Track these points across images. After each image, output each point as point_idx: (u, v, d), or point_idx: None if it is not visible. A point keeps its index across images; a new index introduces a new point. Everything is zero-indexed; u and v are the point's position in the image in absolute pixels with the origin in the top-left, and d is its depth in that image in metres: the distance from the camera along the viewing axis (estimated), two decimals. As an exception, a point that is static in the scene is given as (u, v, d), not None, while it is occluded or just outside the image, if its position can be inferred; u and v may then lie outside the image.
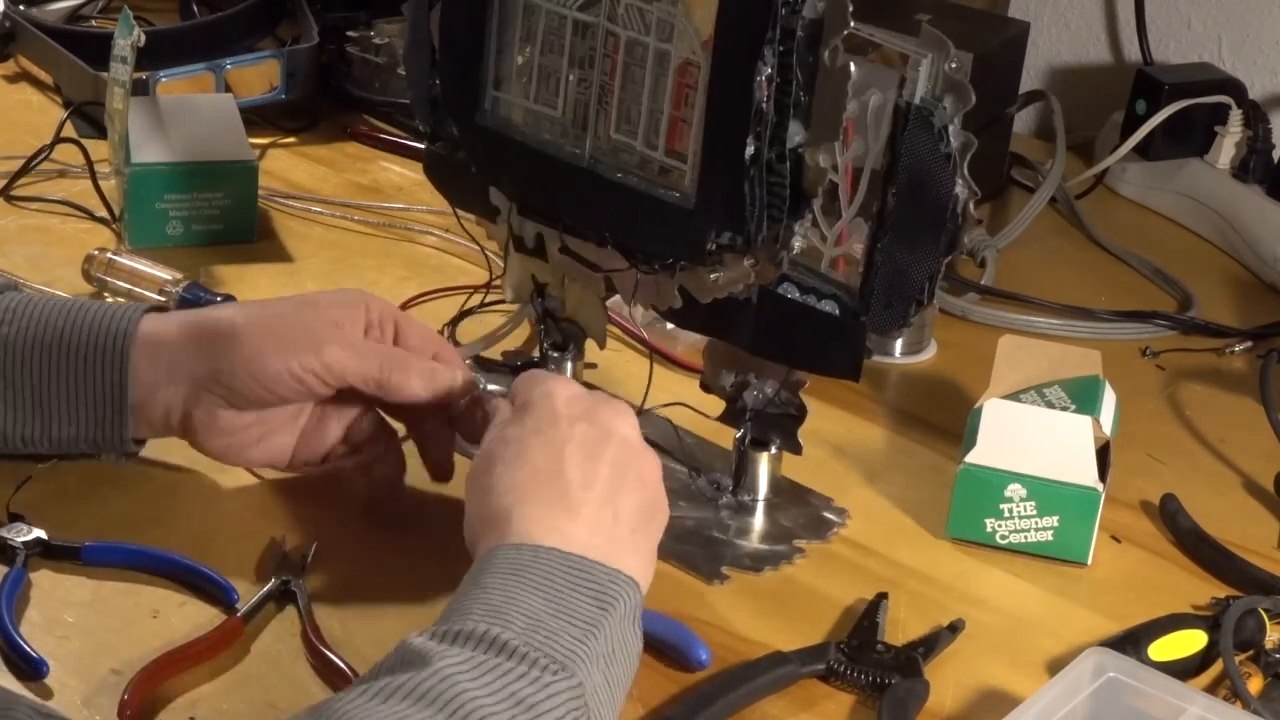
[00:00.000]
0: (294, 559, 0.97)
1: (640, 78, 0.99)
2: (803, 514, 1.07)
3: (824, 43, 0.91)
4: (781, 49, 0.91)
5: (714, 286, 0.99)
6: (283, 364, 0.98)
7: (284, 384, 0.98)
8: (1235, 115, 1.52)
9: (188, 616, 0.94)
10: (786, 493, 1.08)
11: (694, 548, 1.03)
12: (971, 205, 0.92)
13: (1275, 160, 1.52)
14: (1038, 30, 1.72)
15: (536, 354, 1.19)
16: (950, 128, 0.91)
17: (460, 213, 1.15)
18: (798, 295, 0.98)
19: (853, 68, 0.91)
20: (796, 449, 1.06)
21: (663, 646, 0.93)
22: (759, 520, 1.06)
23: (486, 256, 1.19)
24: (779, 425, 1.05)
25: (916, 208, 0.93)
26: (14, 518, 0.98)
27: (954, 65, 0.90)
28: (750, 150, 0.93)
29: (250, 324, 0.99)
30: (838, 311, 0.97)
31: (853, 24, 0.90)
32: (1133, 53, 1.71)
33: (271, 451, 1.02)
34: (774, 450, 1.06)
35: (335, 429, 1.03)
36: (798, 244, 0.96)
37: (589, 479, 0.89)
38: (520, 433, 0.91)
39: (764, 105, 0.92)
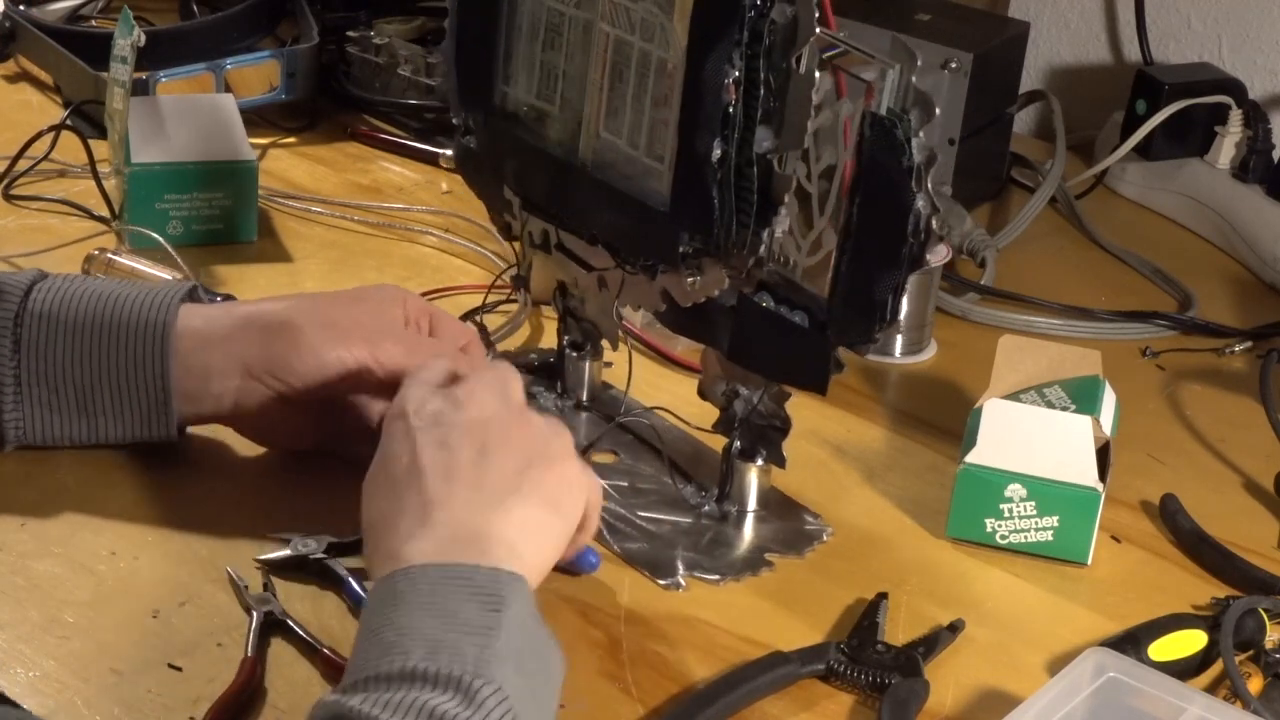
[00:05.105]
0: (258, 589, 0.96)
1: (627, 77, 0.98)
2: (784, 528, 1.06)
3: (793, 49, 0.90)
4: (750, 53, 0.91)
5: (692, 291, 0.98)
6: (339, 356, 1.01)
7: (339, 374, 1.01)
8: (1235, 115, 1.53)
9: (188, 617, 0.94)
10: (774, 505, 1.07)
11: (659, 551, 1.02)
12: (934, 221, 0.90)
13: (1275, 160, 1.52)
14: (1038, 30, 1.72)
15: (540, 350, 1.20)
16: (914, 141, 0.89)
17: (461, 213, 1.15)
18: (772, 304, 0.98)
19: (817, 75, 0.90)
20: (780, 462, 1.04)
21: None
22: (736, 531, 1.05)
23: (516, 255, 1.19)
24: (764, 437, 1.04)
25: (879, 220, 0.91)
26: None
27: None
28: (717, 154, 0.92)
29: (306, 316, 1.02)
30: (807, 323, 0.97)
31: (819, 30, 0.89)
32: (1133, 53, 1.71)
33: (307, 437, 1.06)
34: (761, 461, 1.05)
35: (356, 418, 1.06)
36: (765, 251, 0.94)
37: (448, 466, 0.87)
38: (379, 455, 0.90)
39: (731, 109, 0.92)
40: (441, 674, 0.76)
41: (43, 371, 1.01)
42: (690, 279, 0.97)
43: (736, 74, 0.91)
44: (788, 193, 0.93)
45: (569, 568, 0.96)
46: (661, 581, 1.00)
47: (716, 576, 1.01)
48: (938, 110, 0.90)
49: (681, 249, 0.95)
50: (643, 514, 1.05)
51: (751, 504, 1.06)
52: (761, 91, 0.91)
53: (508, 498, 0.87)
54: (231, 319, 1.02)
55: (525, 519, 0.87)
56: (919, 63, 0.89)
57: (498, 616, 0.80)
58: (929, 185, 0.90)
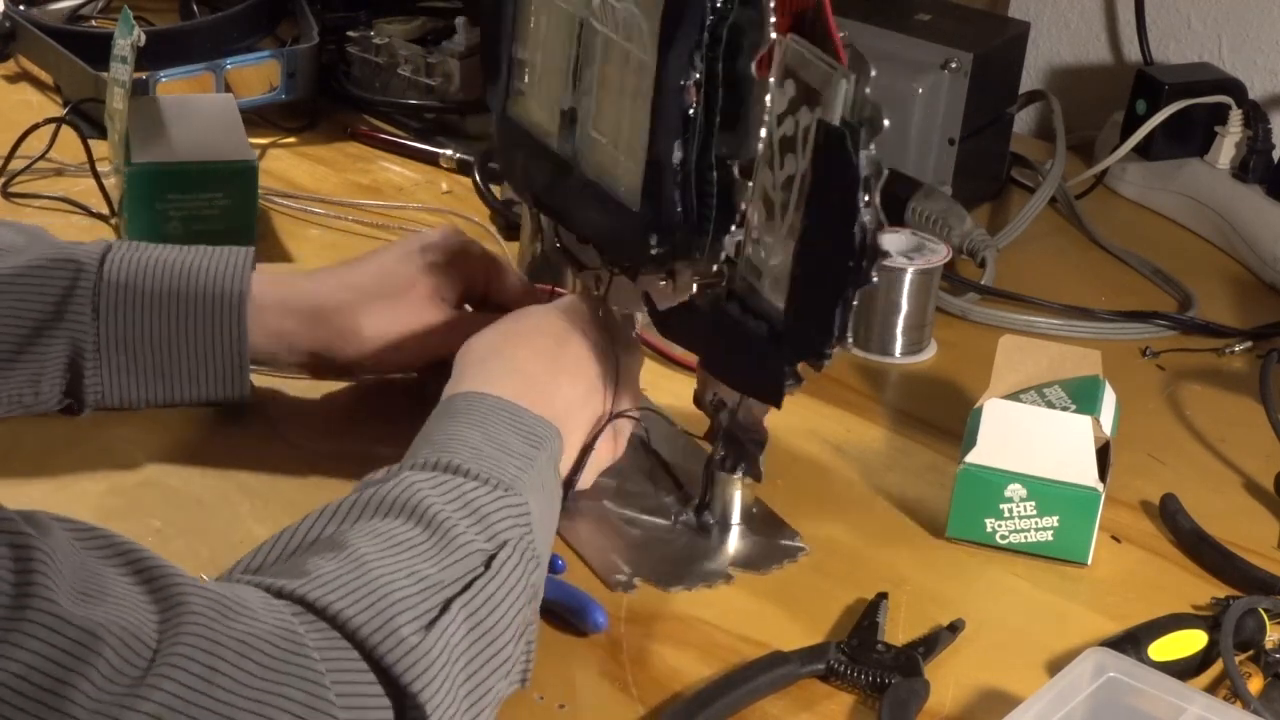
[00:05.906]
0: None
1: (612, 75, 0.98)
2: (757, 543, 1.04)
3: (749, 54, 0.89)
4: (710, 55, 0.89)
5: (666, 293, 0.97)
6: (380, 331, 1.09)
7: (379, 347, 1.09)
8: (1235, 115, 1.53)
9: (188, 616, 0.94)
10: (754, 520, 1.05)
11: (620, 555, 1.02)
12: (880, 236, 0.86)
13: (1275, 160, 1.52)
14: (1038, 30, 1.72)
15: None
16: (863, 153, 0.85)
17: (461, 212, 1.15)
18: (738, 312, 0.95)
19: (772, 82, 0.88)
20: (757, 476, 1.02)
21: (562, 611, 0.95)
22: (706, 541, 1.04)
23: (517, 255, 1.19)
24: (742, 449, 1.02)
25: (829, 232, 0.87)
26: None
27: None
28: (678, 156, 0.91)
29: (354, 301, 1.09)
30: (766, 333, 0.93)
31: (775, 35, 0.88)
32: (1133, 53, 1.71)
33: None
34: (739, 474, 1.03)
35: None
36: (725, 257, 0.94)
37: (537, 366, 0.98)
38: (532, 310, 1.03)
39: (691, 112, 0.91)
40: (483, 474, 0.86)
41: (121, 338, 1.04)
42: (663, 281, 0.97)
43: (697, 76, 0.90)
44: (745, 199, 0.92)
45: (578, 622, 0.95)
46: (607, 581, 1.00)
47: (661, 583, 1.00)
48: (886, 123, 0.85)
49: (652, 251, 0.95)
50: (623, 513, 1.05)
51: (733, 516, 1.05)
52: (720, 95, 0.90)
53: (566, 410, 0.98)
54: (284, 303, 1.08)
55: (571, 397, 0.99)
56: (873, 74, 0.85)
57: (535, 451, 0.92)
58: (877, 199, 0.86)
